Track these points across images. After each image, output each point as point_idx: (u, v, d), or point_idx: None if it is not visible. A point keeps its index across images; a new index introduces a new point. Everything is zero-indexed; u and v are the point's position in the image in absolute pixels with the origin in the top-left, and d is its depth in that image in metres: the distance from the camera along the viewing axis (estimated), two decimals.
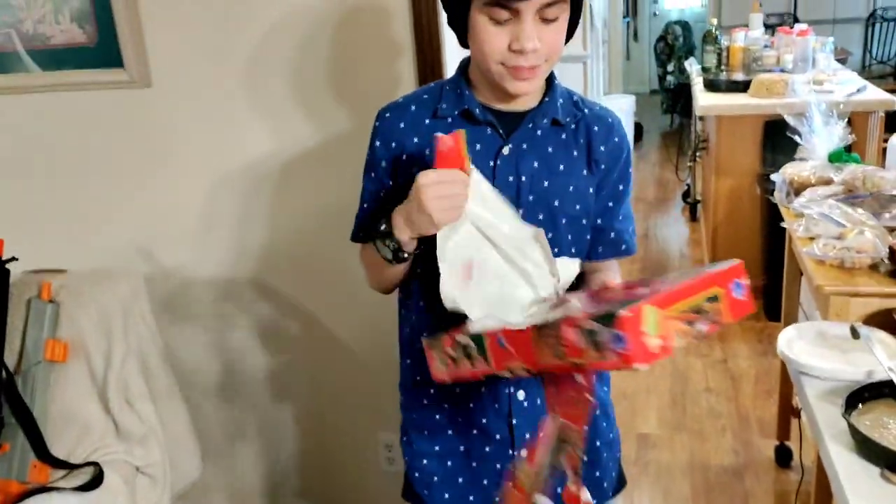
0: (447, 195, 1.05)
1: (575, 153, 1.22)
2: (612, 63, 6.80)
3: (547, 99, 1.21)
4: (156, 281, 2.01)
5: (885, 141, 2.29)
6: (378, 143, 1.25)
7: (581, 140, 1.22)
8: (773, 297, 3.11)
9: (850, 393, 1.20)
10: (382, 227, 1.13)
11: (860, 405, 1.20)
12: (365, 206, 1.29)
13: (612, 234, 1.27)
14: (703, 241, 4.37)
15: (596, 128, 1.23)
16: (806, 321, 1.67)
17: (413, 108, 1.24)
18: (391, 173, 1.24)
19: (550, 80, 1.22)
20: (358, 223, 1.30)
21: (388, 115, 1.25)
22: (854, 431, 1.13)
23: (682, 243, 4.82)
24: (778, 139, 3.36)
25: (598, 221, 1.26)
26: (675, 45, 7.60)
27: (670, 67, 7.56)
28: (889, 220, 1.80)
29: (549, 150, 1.21)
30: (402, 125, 1.23)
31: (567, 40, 1.17)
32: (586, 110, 1.24)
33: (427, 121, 1.22)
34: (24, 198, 2.04)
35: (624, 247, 1.29)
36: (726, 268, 0.93)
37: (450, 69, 1.73)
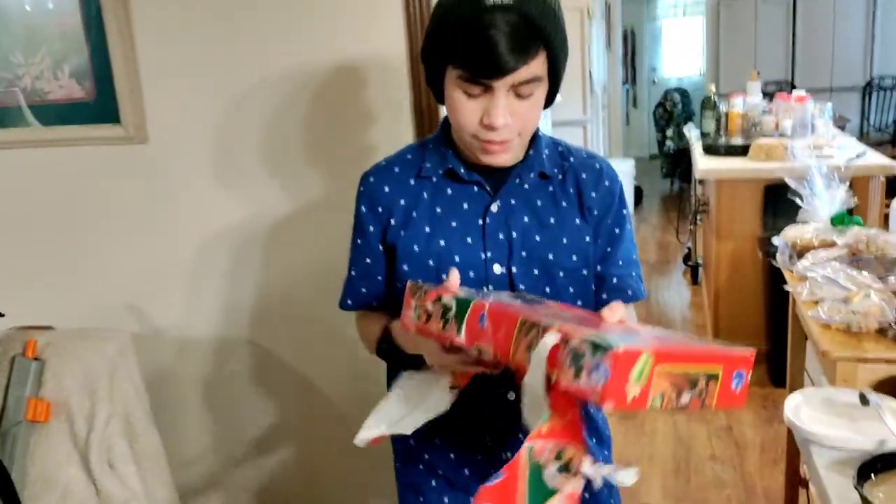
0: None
1: (564, 204, 1.20)
2: (611, 128, 6.89)
3: (532, 152, 1.19)
4: (146, 338, 1.97)
5: (887, 206, 2.27)
6: (364, 209, 1.23)
7: (570, 189, 1.20)
8: (778, 363, 3.05)
9: (862, 463, 1.15)
10: (385, 346, 1.19)
11: (873, 476, 1.14)
12: (353, 272, 1.27)
13: (615, 280, 1.23)
14: (704, 304, 4.33)
15: (584, 175, 1.21)
16: (812, 387, 1.62)
17: (396, 169, 1.23)
18: (381, 239, 1.22)
19: (534, 132, 1.20)
20: (346, 291, 1.28)
21: (371, 179, 1.23)
22: None
23: (683, 307, 4.78)
24: (778, 203, 3.36)
25: (599, 269, 1.22)
26: (673, 111, 7.72)
27: (669, 133, 7.66)
28: (895, 283, 1.76)
29: (539, 203, 1.19)
30: (386, 189, 1.21)
31: (547, 106, 1.15)
32: (572, 158, 1.22)
33: (412, 181, 1.21)
34: (13, 252, 2.01)
35: (630, 292, 1.23)
36: (737, 354, 0.87)
37: None
